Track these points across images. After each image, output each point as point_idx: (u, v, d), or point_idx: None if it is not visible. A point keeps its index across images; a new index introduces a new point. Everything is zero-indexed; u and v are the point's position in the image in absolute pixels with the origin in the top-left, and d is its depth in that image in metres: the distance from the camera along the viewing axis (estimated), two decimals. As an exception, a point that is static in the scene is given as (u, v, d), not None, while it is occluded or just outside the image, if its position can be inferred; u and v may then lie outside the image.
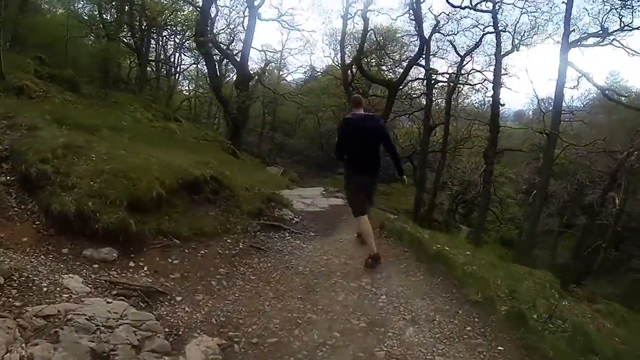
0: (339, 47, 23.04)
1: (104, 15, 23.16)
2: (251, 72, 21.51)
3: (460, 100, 27.37)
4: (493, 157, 20.87)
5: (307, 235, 6.86)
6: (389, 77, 22.91)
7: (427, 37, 20.14)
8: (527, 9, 20.87)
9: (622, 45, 19.00)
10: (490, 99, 22.19)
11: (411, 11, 20.13)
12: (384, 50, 23.17)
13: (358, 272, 5.50)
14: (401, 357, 3.80)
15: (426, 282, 5.33)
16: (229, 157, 15.11)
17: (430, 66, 21.89)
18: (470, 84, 24.22)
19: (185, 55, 30.17)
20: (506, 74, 22.07)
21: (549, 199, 24.96)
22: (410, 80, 24.69)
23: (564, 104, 20.65)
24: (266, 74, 28.55)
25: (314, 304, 4.68)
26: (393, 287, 5.10)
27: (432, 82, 22.05)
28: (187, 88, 34.67)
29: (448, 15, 22.20)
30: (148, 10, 23.64)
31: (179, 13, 24.68)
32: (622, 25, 18.68)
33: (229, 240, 6.20)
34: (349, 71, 22.21)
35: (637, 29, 18.60)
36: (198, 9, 19.41)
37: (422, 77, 23.23)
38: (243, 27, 21.82)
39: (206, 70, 21.90)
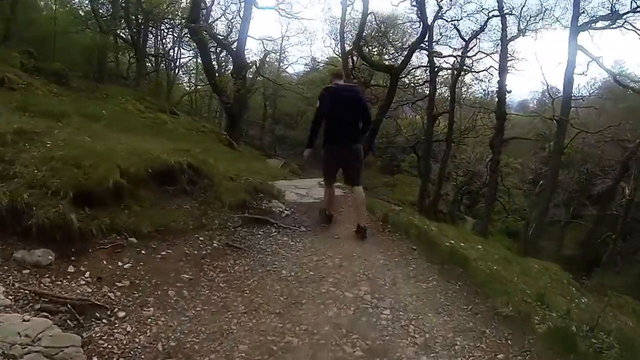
0: (339, 36, 21.78)
1: (100, 10, 22.01)
2: (249, 62, 20.28)
3: (464, 90, 25.88)
4: (500, 146, 19.58)
5: (297, 230, 5.62)
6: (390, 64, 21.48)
7: (429, 22, 18.72)
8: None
9: (635, 28, 17.62)
10: (495, 87, 20.98)
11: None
12: (385, 37, 21.74)
13: (355, 277, 4.30)
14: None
15: (441, 290, 4.13)
16: (224, 148, 13.89)
17: (433, 57, 20.55)
18: (475, 71, 22.79)
19: (184, 49, 28.94)
20: (512, 59, 20.70)
21: (556, 189, 23.69)
22: (413, 68, 23.39)
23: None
24: (265, 65, 27.26)
25: (296, 323, 3.48)
26: (399, 298, 3.90)
27: (436, 69, 20.68)
28: (187, 82, 33.49)
29: (451, 0, 20.85)
30: (144, 3, 22.62)
31: (176, 5, 23.43)
32: (634, 6, 17.28)
33: (201, 238, 4.99)
34: (350, 58, 20.88)
35: (650, 9, 17.16)
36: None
37: (425, 65, 21.94)
38: (240, 16, 20.54)
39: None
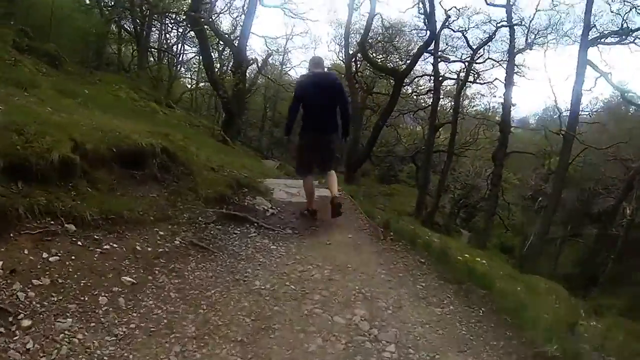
0: (343, 41, 20.81)
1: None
2: (250, 58, 19.25)
3: (466, 102, 24.81)
4: (502, 159, 18.55)
5: (281, 233, 4.55)
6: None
7: (435, 28, 17.74)
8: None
9: (644, 45, 16.68)
10: (498, 101, 20.07)
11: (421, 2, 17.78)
12: (391, 43, 20.70)
13: (349, 296, 3.22)
14: None
15: (461, 318, 3.06)
16: (215, 143, 12.79)
17: (439, 65, 19.48)
18: (481, 82, 21.80)
19: (187, 45, 27.79)
20: (519, 71, 19.61)
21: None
22: (417, 77, 22.35)
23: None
24: (268, 66, 26.17)
25: (263, 358, 2.41)
26: (407, 327, 2.84)
27: (440, 78, 19.65)
28: (189, 79, 32.32)
29: (459, 10, 19.90)
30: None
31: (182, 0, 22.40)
32: (645, 24, 16.38)
33: (161, 233, 3.93)
34: (354, 62, 19.88)
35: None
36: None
37: (430, 74, 20.91)
38: (244, 12, 19.49)
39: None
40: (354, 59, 20.07)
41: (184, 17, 18.94)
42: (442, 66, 20.34)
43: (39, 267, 2.95)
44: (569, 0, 19.79)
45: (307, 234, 4.64)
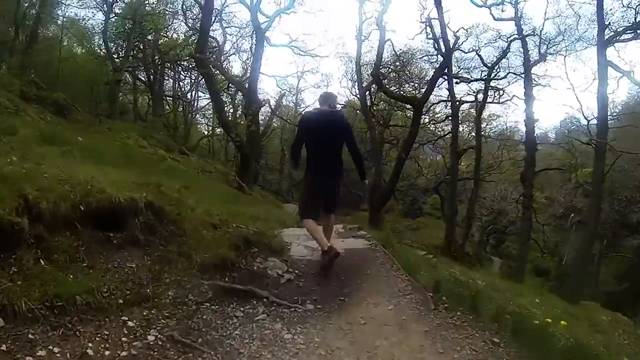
0: (355, 76, 20.07)
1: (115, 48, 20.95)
2: (262, 100, 18.54)
3: (484, 125, 23.50)
4: (532, 179, 17.01)
5: (299, 310, 3.33)
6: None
7: (450, 47, 16.89)
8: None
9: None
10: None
11: (428, 26, 17.05)
12: (403, 71, 19.81)
13: None
14: None
15: None
16: (229, 190, 11.74)
17: (454, 89, 18.41)
18: (499, 102, 20.66)
19: (201, 92, 27.51)
20: (539, 83, 18.42)
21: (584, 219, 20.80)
22: (432, 105, 21.33)
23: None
24: (282, 107, 25.52)
25: None
26: None
27: (458, 102, 18.55)
28: (205, 125, 32.02)
29: (467, 30, 19.06)
30: (160, 45, 21.60)
31: (191, 47, 22.20)
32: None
33: (131, 324, 2.80)
34: (368, 95, 18.99)
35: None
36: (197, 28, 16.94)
37: (446, 99, 19.87)
38: (252, 52, 18.97)
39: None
40: (367, 92, 19.18)
41: (189, 55, 18.54)
42: (457, 90, 19.39)
43: None
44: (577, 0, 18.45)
45: (334, 308, 3.41)
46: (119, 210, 3.79)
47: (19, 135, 6.10)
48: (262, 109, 19.80)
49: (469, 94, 20.61)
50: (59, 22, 18.58)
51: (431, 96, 18.94)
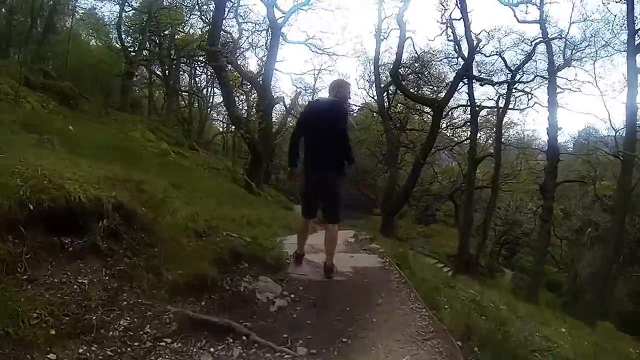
0: (372, 77, 19.22)
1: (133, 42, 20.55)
2: (275, 96, 17.84)
3: (503, 132, 22.49)
4: (553, 191, 15.98)
5: (285, 357, 2.48)
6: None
7: (473, 48, 15.96)
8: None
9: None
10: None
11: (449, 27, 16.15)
12: (423, 73, 18.90)
13: None
14: None
15: None
16: (233, 190, 10.96)
17: (474, 94, 17.47)
18: (520, 108, 19.71)
19: (217, 88, 26.94)
20: (562, 90, 17.37)
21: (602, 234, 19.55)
22: (451, 109, 20.40)
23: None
24: (297, 105, 24.69)
25: None
26: None
27: (478, 107, 17.56)
28: (220, 122, 31.45)
29: (489, 33, 18.11)
30: (177, 39, 21.09)
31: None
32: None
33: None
34: (386, 96, 18.12)
35: None
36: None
37: (465, 105, 18.90)
38: (267, 48, 18.24)
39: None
40: (385, 93, 18.29)
41: (201, 48, 17.98)
42: (476, 95, 18.42)
43: None
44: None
45: (332, 355, 2.57)
46: (78, 211, 3.02)
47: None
48: (277, 107, 19.16)
49: (489, 99, 19.58)
50: (75, 13, 18.41)
51: (450, 100, 18.13)
